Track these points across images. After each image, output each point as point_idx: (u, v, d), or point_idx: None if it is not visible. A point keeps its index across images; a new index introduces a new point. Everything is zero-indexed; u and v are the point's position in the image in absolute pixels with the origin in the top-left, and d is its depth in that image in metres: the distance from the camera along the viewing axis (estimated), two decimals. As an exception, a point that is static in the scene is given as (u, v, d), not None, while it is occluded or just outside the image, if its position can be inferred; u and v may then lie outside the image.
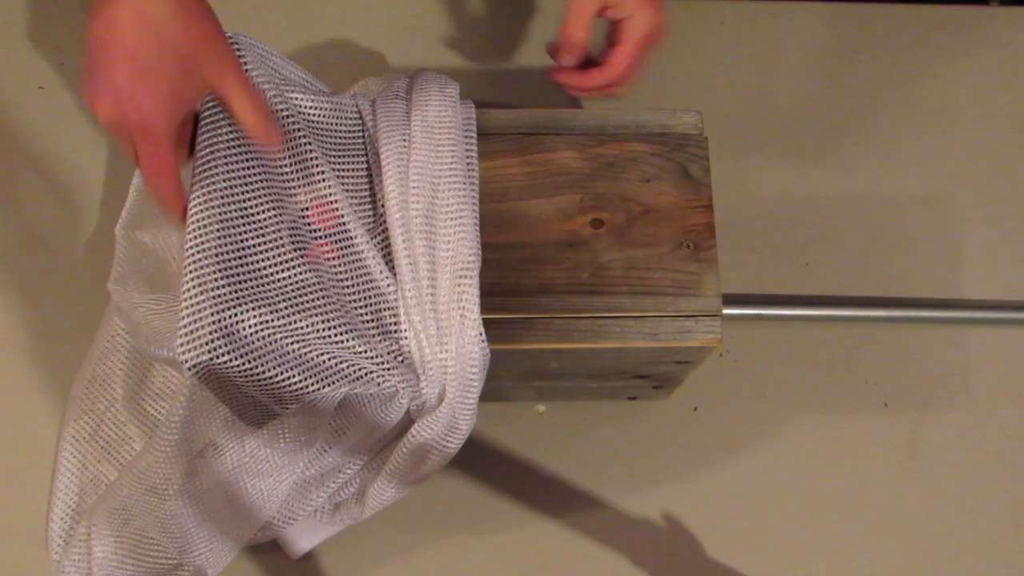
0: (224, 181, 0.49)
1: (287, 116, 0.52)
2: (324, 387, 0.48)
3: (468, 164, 0.55)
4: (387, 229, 0.53)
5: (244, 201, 0.49)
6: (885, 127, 0.73)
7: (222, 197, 0.48)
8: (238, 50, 0.51)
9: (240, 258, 0.48)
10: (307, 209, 0.52)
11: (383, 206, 0.53)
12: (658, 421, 0.65)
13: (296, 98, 0.54)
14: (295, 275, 0.49)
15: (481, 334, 0.51)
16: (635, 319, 0.53)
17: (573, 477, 0.63)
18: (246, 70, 0.51)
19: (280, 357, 0.47)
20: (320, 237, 0.52)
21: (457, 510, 0.62)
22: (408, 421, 0.54)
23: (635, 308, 0.53)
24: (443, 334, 0.51)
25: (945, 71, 0.75)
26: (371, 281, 0.52)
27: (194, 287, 0.46)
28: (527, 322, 0.53)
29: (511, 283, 0.53)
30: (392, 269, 0.52)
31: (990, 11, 0.78)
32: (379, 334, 0.51)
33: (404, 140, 0.54)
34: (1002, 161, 0.72)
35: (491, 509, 0.62)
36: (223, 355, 0.45)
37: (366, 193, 0.55)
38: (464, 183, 0.53)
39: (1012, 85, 0.74)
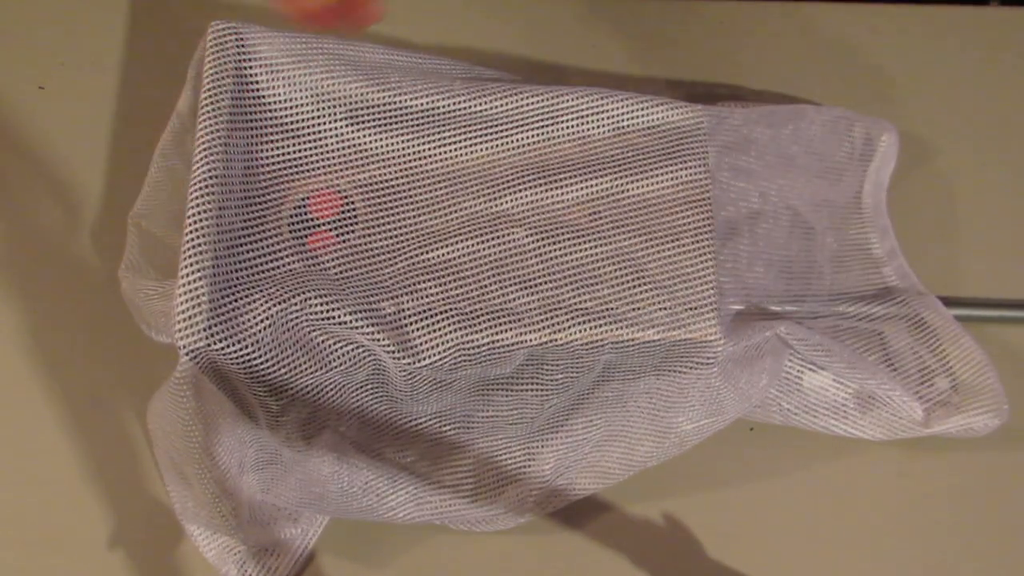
0: (224, 165, 0.49)
1: (300, 101, 0.53)
2: (322, 374, 0.48)
3: None
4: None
5: (245, 187, 0.50)
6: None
7: (222, 181, 0.49)
8: (239, 37, 0.52)
9: (240, 243, 0.49)
10: (307, 199, 0.52)
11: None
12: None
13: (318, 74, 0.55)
14: (296, 262, 0.50)
15: None
16: None
17: (573, 477, 0.63)
18: (260, 54, 0.53)
19: (279, 345, 0.48)
20: (321, 226, 0.52)
21: (457, 510, 0.62)
22: None
23: None
24: None
25: (945, 71, 0.75)
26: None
27: (192, 271, 0.46)
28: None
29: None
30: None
31: (990, 11, 0.78)
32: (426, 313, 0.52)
33: None
34: (1001, 161, 0.72)
35: (491, 509, 0.62)
36: (220, 340, 0.46)
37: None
38: None
39: (1012, 86, 0.74)
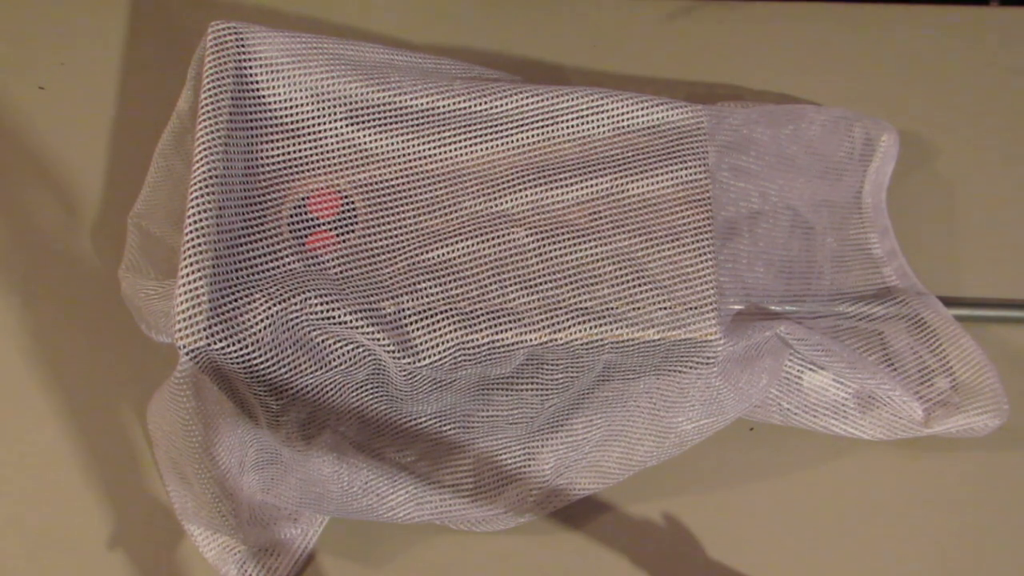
0: (224, 165, 0.49)
1: (302, 103, 0.54)
2: (322, 373, 0.48)
3: None
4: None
5: (245, 187, 0.50)
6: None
7: (222, 181, 0.49)
8: (239, 37, 0.52)
9: (240, 243, 0.49)
10: (307, 199, 0.52)
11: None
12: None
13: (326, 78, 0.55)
14: (296, 262, 0.50)
15: None
16: None
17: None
18: (260, 54, 0.53)
19: (279, 345, 0.48)
20: (321, 226, 0.52)
21: (457, 510, 0.62)
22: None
23: None
24: None
25: (945, 71, 0.75)
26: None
27: (192, 271, 0.46)
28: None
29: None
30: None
31: (990, 11, 0.78)
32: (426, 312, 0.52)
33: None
34: (1001, 161, 0.72)
35: (491, 509, 0.62)
36: (220, 340, 0.46)
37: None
38: None
39: (1012, 86, 0.74)
